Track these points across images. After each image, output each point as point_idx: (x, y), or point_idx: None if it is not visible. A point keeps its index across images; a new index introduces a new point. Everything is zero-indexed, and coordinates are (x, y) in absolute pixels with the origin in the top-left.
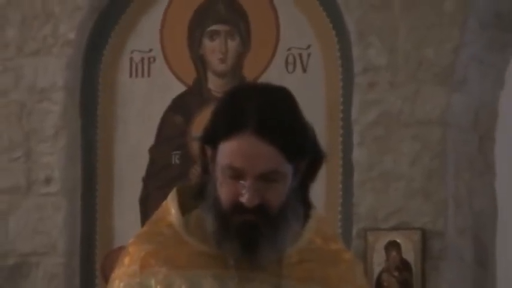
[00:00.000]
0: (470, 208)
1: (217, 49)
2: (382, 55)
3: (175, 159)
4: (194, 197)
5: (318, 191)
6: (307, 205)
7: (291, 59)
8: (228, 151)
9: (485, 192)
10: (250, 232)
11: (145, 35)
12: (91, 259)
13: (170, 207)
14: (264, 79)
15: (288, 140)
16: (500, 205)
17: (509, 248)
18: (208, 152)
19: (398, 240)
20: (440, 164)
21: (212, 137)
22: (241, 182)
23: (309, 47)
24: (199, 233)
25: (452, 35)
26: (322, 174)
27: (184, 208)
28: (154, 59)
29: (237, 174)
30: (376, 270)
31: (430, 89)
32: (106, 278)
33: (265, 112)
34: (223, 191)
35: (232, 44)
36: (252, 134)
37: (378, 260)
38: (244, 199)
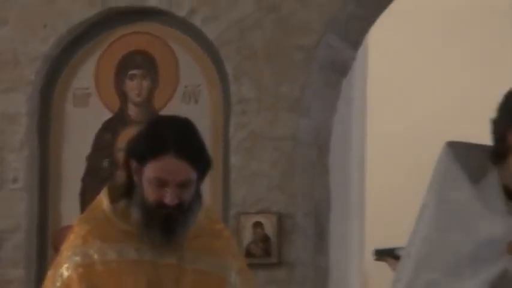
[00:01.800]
0: (312, 198)
1: (135, 87)
2: (251, 91)
3: (105, 164)
4: (121, 193)
5: (204, 187)
6: (199, 197)
7: (187, 94)
8: (155, 168)
9: (322, 187)
10: (170, 222)
11: (84, 76)
12: (45, 236)
13: (103, 198)
14: (168, 108)
15: (196, 158)
16: (333, 196)
17: (337, 226)
18: (133, 164)
19: (261, 221)
20: (291, 167)
21: (141, 157)
22: (166, 188)
23: (199, 85)
24: (124, 218)
25: (300, 76)
26: (208, 174)
27: (112, 200)
28: (91, 94)
29: (162, 183)
30: (246, 242)
31: (284, 115)
32: (56, 249)
33: (180, 139)
34: (151, 194)
35: (145, 83)
36: (172, 156)
37: (248, 235)
38: (167, 200)
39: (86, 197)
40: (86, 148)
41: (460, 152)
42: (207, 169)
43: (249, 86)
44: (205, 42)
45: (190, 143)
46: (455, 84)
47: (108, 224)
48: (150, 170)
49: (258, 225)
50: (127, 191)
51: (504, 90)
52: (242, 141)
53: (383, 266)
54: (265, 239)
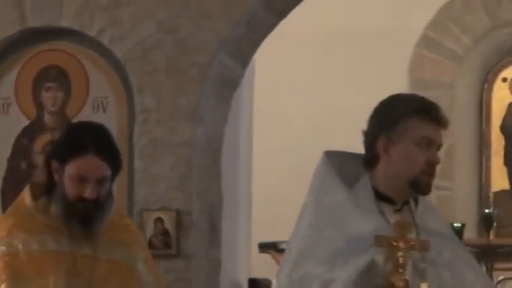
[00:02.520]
0: (206, 198)
1: (50, 97)
2: (152, 102)
3: (23, 166)
4: (42, 191)
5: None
6: (111, 195)
7: (96, 104)
8: (77, 166)
9: (215, 188)
10: (87, 215)
11: (6, 88)
12: None
13: (25, 195)
14: (79, 116)
15: (112, 158)
16: (224, 196)
17: (228, 222)
18: (54, 165)
19: (162, 217)
20: (188, 170)
21: (62, 157)
22: (86, 184)
23: (107, 97)
24: (45, 212)
25: (196, 90)
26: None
27: (34, 197)
28: (11, 103)
29: (82, 179)
30: (148, 235)
31: (182, 124)
32: None
33: (98, 141)
34: (71, 190)
35: (59, 94)
36: (92, 155)
37: (150, 229)
38: (87, 194)
39: (6, 195)
40: (7, 151)
41: (336, 160)
42: (119, 169)
43: (151, 98)
44: (112, 59)
45: (107, 144)
46: (330, 100)
47: (31, 218)
48: (72, 168)
49: (158, 220)
50: (47, 189)
51: (373, 105)
52: (144, 147)
53: (267, 257)
54: (165, 233)
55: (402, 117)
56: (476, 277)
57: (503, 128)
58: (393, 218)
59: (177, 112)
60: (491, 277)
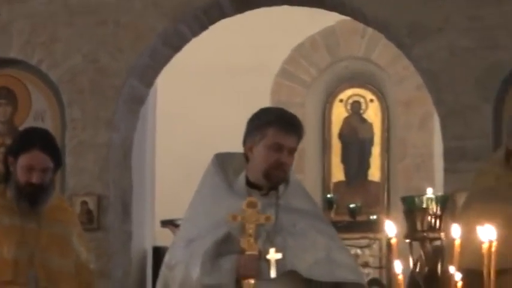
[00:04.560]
0: (120, 186)
1: (1, 111)
2: (79, 114)
3: None
4: (1, 180)
5: None
6: (53, 183)
7: (37, 115)
8: (26, 158)
9: (127, 178)
10: (35, 197)
11: None
12: None
13: None
14: (24, 125)
15: (54, 153)
16: (134, 184)
17: (137, 204)
18: (10, 159)
19: (87, 200)
20: (106, 165)
21: (16, 153)
22: (33, 173)
23: (45, 110)
24: (2, 196)
25: (112, 106)
26: None
27: None
28: None
29: (30, 169)
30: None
31: (102, 130)
32: None
33: (43, 139)
34: (22, 177)
35: (9, 109)
36: (38, 150)
37: (77, 209)
38: (34, 180)
39: None
40: None
41: (224, 159)
42: (60, 164)
43: (78, 111)
44: (49, 82)
45: (50, 143)
46: (215, 115)
47: None
48: (23, 160)
49: (84, 203)
50: (5, 178)
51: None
52: (73, 147)
53: (167, 231)
54: (89, 212)
55: (262, 126)
56: (328, 241)
57: (340, 136)
58: (246, 200)
59: (97, 122)
60: None
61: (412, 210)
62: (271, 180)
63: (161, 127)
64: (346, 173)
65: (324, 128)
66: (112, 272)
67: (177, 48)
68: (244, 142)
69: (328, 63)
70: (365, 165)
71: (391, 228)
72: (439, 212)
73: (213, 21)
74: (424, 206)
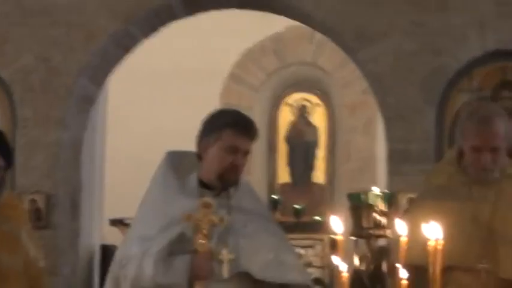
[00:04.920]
0: (69, 183)
1: None
2: (30, 113)
3: None
4: None
5: None
6: (4, 182)
7: None
8: None
9: (76, 176)
10: None
11: None
12: None
13: None
14: None
15: (6, 152)
16: (83, 182)
17: (86, 202)
18: None
19: (36, 198)
20: (56, 163)
21: None
22: None
23: None
24: None
25: (64, 105)
26: None
27: None
28: None
29: None
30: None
31: (53, 129)
32: None
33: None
34: None
35: None
36: None
37: (27, 207)
38: None
39: None
40: None
41: (175, 157)
42: (11, 163)
43: (30, 110)
44: (1, 81)
45: (1, 141)
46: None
47: None
48: None
49: (33, 201)
50: None
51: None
52: (24, 145)
53: (116, 230)
54: (38, 210)
55: (219, 127)
56: (277, 242)
57: (287, 139)
58: (201, 201)
59: (48, 121)
60: None
61: (358, 207)
62: (225, 182)
63: (112, 127)
64: (292, 175)
65: (271, 131)
66: (60, 269)
67: (128, 49)
68: (199, 142)
69: (276, 68)
70: (310, 168)
71: (337, 224)
72: (384, 209)
73: (164, 24)
74: (370, 202)
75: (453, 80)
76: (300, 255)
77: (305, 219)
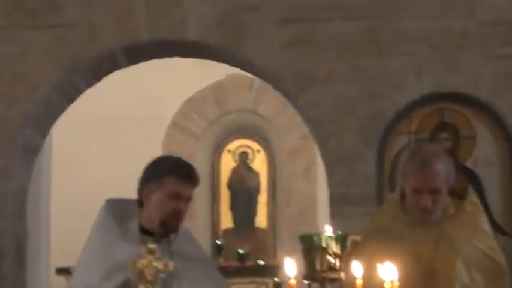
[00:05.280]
0: (15, 233)
1: None
2: None
3: None
4: None
5: None
6: None
7: None
8: None
9: (22, 226)
10: None
11: None
12: None
13: None
14: None
15: None
16: (29, 231)
17: (32, 252)
18: None
19: None
20: (2, 214)
21: None
22: None
23: None
24: None
25: (8, 155)
26: None
27: None
28: None
29: None
30: None
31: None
32: None
33: None
34: None
35: None
36: None
37: None
38: None
39: None
40: None
41: (115, 204)
42: None
43: None
44: None
45: None
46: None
47: None
48: None
49: None
50: None
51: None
52: None
53: (62, 279)
54: None
55: (161, 174)
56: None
57: (229, 185)
58: (146, 247)
59: None
60: None
61: (310, 249)
62: (167, 228)
63: (57, 175)
64: (235, 220)
65: (213, 178)
66: None
67: (71, 99)
68: (140, 189)
69: (217, 116)
70: (252, 213)
71: (290, 268)
72: (338, 251)
73: (107, 73)
74: (324, 245)
75: (392, 124)
76: None
77: (249, 263)
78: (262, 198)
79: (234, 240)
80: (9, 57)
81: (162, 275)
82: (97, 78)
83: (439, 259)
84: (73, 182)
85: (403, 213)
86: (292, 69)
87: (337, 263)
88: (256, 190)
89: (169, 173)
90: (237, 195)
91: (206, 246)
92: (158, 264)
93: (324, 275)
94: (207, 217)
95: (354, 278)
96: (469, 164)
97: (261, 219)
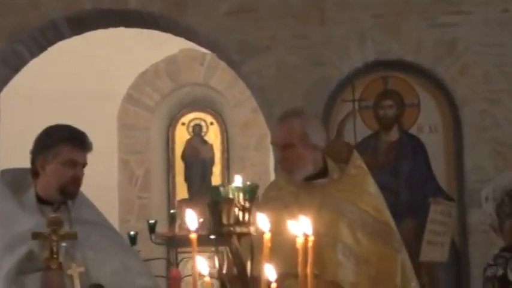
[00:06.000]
0: None
1: None
2: None
3: None
4: None
5: None
6: None
7: None
8: None
9: None
10: None
11: None
12: None
13: None
14: None
15: None
16: None
17: None
18: None
19: None
20: None
21: None
22: None
23: None
24: None
25: None
26: None
27: None
28: None
29: None
30: None
31: None
32: None
33: None
34: None
35: None
36: None
37: None
38: None
39: None
40: None
41: (9, 176)
42: None
43: None
44: None
45: None
46: None
47: None
48: None
49: None
50: None
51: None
52: None
53: None
54: None
55: (55, 143)
56: (121, 249)
57: (183, 157)
58: (47, 216)
59: None
60: (176, 258)
61: (217, 201)
62: (68, 195)
63: (4, 150)
64: (189, 191)
65: (168, 150)
66: None
67: (16, 68)
68: (34, 159)
69: (171, 89)
70: (207, 184)
71: (192, 220)
72: (247, 204)
73: (51, 43)
74: (231, 196)
75: (335, 91)
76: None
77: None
78: (217, 169)
79: None
80: None
81: (64, 244)
82: (42, 48)
83: (322, 222)
84: (23, 158)
85: (288, 183)
86: (235, 38)
87: (246, 216)
88: (211, 162)
89: (63, 142)
90: (192, 167)
91: (162, 216)
92: (60, 233)
93: (231, 229)
94: (162, 188)
95: (262, 232)
96: (413, 131)
97: None
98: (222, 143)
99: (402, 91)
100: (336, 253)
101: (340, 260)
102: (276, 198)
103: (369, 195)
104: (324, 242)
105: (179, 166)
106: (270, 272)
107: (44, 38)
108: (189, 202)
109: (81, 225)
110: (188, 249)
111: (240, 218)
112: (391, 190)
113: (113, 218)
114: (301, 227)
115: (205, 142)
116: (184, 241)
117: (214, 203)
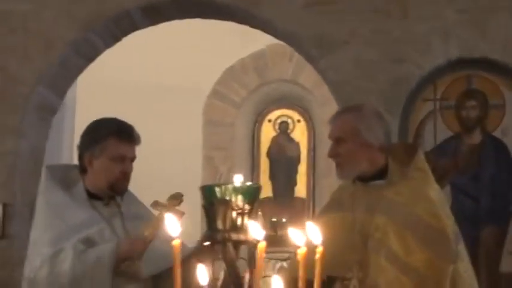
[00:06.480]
0: (29, 194)
1: None
2: None
3: None
4: None
5: None
6: None
7: None
8: None
9: (36, 187)
10: None
11: None
12: None
13: None
14: None
15: None
16: None
17: None
18: None
19: None
20: (13, 174)
21: None
22: None
23: None
24: None
25: (21, 112)
26: None
27: None
28: None
29: None
30: None
31: (9, 137)
32: None
33: None
34: None
35: None
36: None
37: None
38: None
39: None
40: None
41: (57, 171)
42: None
43: None
44: None
45: None
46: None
47: None
48: None
49: None
50: None
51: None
52: None
53: None
54: None
55: (102, 138)
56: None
57: (269, 154)
58: (105, 211)
59: (4, 129)
60: None
61: (212, 203)
62: (117, 191)
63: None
64: (274, 189)
65: (253, 147)
66: (17, 281)
67: (90, 58)
68: (81, 155)
69: (258, 85)
70: (292, 182)
71: (172, 224)
72: (246, 207)
73: (125, 33)
74: (228, 198)
75: (416, 90)
76: (283, 269)
77: (282, 232)
78: (302, 168)
79: (273, 210)
80: (23, 15)
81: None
82: (116, 38)
83: (372, 225)
84: None
85: (351, 183)
86: (312, 32)
87: (244, 221)
88: (296, 160)
89: (111, 136)
90: (277, 165)
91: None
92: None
93: (227, 235)
94: None
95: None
96: (497, 133)
97: (300, 189)
98: (309, 141)
99: (487, 91)
100: (379, 258)
101: (383, 265)
102: (337, 200)
103: (427, 200)
104: (371, 246)
105: (264, 164)
106: None
107: (118, 28)
108: (274, 201)
109: (132, 220)
110: (269, 249)
111: (238, 223)
112: (470, 195)
113: (195, 216)
114: (304, 236)
115: (291, 140)
116: (266, 241)
117: (210, 205)
